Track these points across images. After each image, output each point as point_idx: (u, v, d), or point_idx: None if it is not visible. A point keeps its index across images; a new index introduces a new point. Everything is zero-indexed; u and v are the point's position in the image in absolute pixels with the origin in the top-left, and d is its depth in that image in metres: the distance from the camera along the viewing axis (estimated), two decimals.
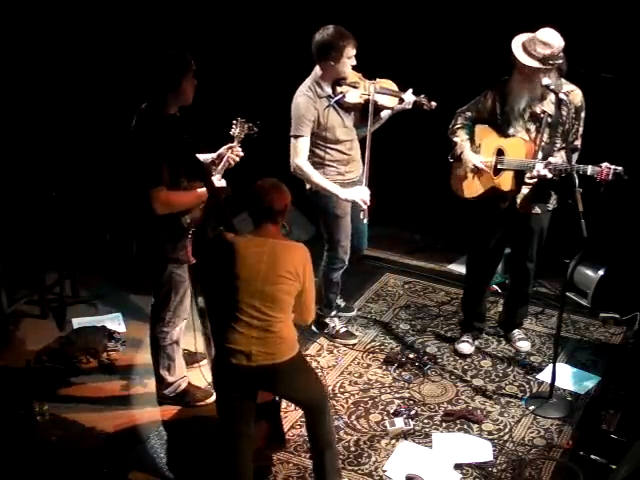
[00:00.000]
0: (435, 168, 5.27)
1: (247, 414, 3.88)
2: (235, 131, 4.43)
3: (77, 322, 5.47)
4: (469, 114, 4.82)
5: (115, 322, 5.48)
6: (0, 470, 4.24)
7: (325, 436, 3.97)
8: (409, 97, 4.90)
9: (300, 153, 4.81)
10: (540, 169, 4.53)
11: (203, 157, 4.43)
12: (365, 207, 4.77)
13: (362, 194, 4.77)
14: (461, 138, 4.82)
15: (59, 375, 4.94)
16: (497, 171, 4.75)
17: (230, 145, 4.44)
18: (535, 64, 4.43)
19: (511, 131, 4.69)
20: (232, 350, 3.77)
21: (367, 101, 4.82)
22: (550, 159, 4.57)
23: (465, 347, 5.16)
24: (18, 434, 4.48)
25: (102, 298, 5.77)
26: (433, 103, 4.92)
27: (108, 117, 6.39)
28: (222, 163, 4.40)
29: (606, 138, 5.28)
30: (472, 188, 4.85)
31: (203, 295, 4.48)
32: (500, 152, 4.73)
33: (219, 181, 4.34)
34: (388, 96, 4.89)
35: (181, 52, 4.19)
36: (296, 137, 4.81)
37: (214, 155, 4.49)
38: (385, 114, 5.00)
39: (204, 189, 4.23)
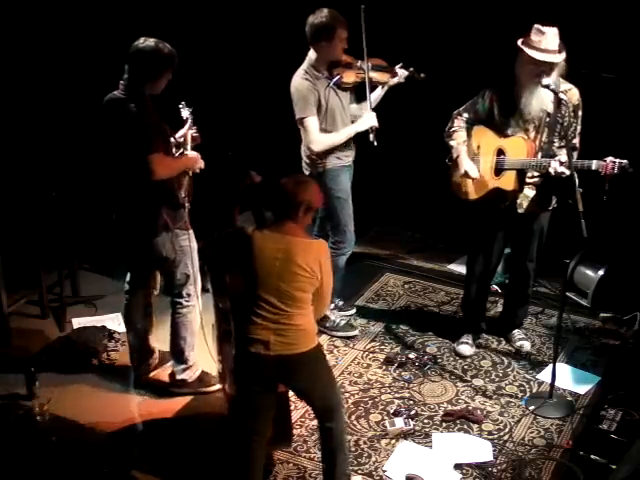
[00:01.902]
0: (435, 168, 5.26)
1: (265, 410, 3.85)
2: (185, 113, 4.66)
3: (77, 322, 5.47)
4: (466, 116, 4.81)
5: (115, 322, 5.48)
6: (0, 470, 4.24)
7: (338, 438, 3.95)
8: (401, 70, 5.09)
9: (312, 130, 4.92)
10: (557, 167, 4.53)
11: (177, 135, 4.61)
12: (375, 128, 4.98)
13: (374, 118, 4.95)
14: (457, 141, 4.80)
15: (59, 375, 4.94)
16: (498, 171, 4.75)
17: (188, 126, 4.62)
18: (562, 56, 4.46)
19: (509, 131, 4.69)
20: (251, 339, 3.76)
21: (363, 79, 4.97)
22: (562, 156, 4.57)
23: (465, 348, 5.15)
24: (18, 434, 4.48)
25: (102, 298, 5.78)
26: (422, 74, 5.11)
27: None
28: (189, 142, 4.60)
29: (607, 139, 5.27)
30: (473, 190, 4.83)
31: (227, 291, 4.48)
32: (500, 152, 4.73)
33: (196, 153, 4.58)
34: (381, 72, 5.06)
35: (171, 49, 4.39)
36: (303, 119, 4.91)
37: (178, 135, 4.63)
38: (380, 90, 5.13)
39: (190, 156, 4.51)
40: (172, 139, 4.51)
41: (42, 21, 6.16)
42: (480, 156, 4.78)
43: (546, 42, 4.43)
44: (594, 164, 4.44)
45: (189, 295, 4.64)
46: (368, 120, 4.98)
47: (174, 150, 4.51)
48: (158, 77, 4.37)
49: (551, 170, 4.56)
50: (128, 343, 4.90)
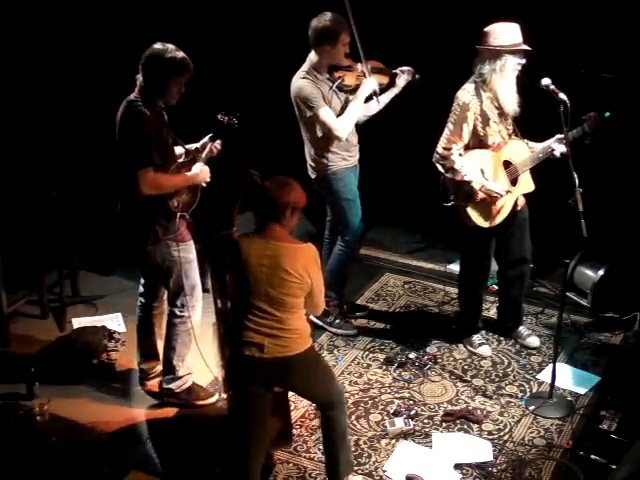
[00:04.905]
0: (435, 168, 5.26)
1: (261, 413, 3.83)
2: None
3: (77, 322, 5.48)
4: (457, 146, 4.66)
5: (115, 322, 5.49)
6: (0, 470, 4.24)
7: (340, 426, 3.96)
8: (406, 68, 5.09)
9: (330, 119, 4.86)
10: (562, 149, 4.53)
11: (188, 146, 4.53)
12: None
13: (373, 82, 4.94)
14: (473, 174, 4.64)
15: (59, 375, 4.94)
16: (514, 181, 4.74)
17: (211, 135, 4.54)
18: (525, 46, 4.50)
19: (490, 140, 4.68)
20: (245, 342, 3.75)
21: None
22: (557, 135, 4.55)
23: (487, 349, 5.13)
24: (18, 434, 4.48)
25: (102, 298, 5.78)
26: (417, 76, 5.13)
27: (108, 117, 6.38)
28: (205, 152, 4.51)
29: (606, 139, 5.27)
30: (503, 212, 4.76)
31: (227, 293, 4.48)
32: (505, 164, 4.71)
33: (203, 167, 4.46)
34: (379, 74, 5.05)
35: (183, 57, 4.25)
36: (317, 112, 4.85)
37: (198, 144, 4.56)
38: (391, 92, 5.11)
39: (192, 172, 4.38)
40: (182, 148, 4.44)
41: (42, 21, 6.16)
42: (489, 176, 4.69)
43: (519, 33, 4.48)
44: (586, 126, 4.53)
45: (183, 306, 4.55)
46: (369, 85, 4.93)
47: (183, 158, 4.43)
48: (165, 87, 4.23)
49: (557, 153, 4.59)
50: (138, 344, 4.83)
